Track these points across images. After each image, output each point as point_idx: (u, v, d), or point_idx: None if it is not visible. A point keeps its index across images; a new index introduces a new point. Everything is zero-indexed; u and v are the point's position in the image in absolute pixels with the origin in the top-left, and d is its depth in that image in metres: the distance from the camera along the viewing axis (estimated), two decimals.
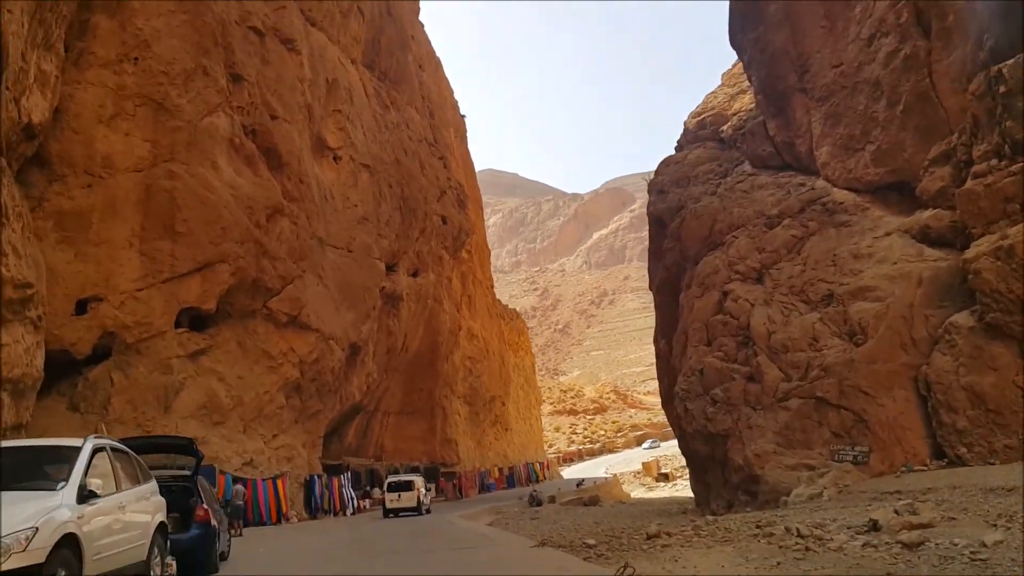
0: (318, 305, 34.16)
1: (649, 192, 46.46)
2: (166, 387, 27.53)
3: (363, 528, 27.66)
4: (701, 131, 47.05)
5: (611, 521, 31.05)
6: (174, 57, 27.11)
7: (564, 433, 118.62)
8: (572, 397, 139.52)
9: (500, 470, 60.56)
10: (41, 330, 20.12)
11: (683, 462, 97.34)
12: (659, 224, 44.03)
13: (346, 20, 42.05)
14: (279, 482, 29.76)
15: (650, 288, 49.65)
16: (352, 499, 37.34)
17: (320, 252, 35.35)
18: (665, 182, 44.92)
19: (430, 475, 52.04)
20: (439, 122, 57.48)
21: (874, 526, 13.59)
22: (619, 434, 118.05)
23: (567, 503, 48.17)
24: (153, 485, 9.64)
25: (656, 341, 51.65)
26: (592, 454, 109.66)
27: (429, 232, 49.80)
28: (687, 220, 39.46)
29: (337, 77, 39.00)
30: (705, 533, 16.05)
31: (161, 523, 9.44)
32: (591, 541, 16.41)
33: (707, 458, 32.78)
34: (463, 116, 66.20)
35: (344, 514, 36.21)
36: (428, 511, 34.14)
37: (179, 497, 12.68)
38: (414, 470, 48.60)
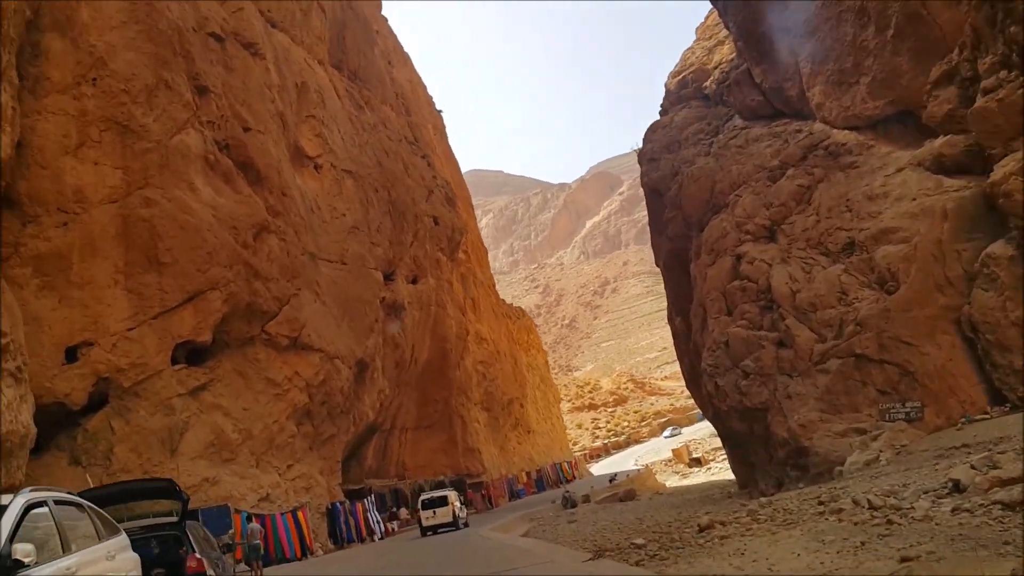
0: (318, 323, 33.15)
1: (640, 163, 45.45)
2: (170, 428, 26.50)
3: (393, 554, 26.64)
4: (683, 91, 46.00)
5: (654, 515, 30.18)
6: (133, 72, 26.06)
7: (587, 429, 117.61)
8: (590, 391, 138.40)
9: (528, 474, 59.53)
10: (24, 382, 19.04)
11: (715, 444, 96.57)
12: (656, 195, 43.04)
13: (307, 19, 41.00)
14: (299, 514, 28.72)
15: (656, 264, 48.67)
16: (379, 523, 36.31)
17: (313, 267, 34.34)
18: (655, 149, 43.95)
19: (456, 488, 51.06)
20: (416, 119, 56.49)
21: (956, 487, 12.47)
22: (643, 423, 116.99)
23: (602, 501, 47.18)
24: (121, 540, 8.07)
25: (671, 320, 50.60)
26: (619, 447, 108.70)
27: (423, 235, 48.78)
28: (685, 185, 38.47)
29: (306, 80, 37.98)
30: (763, 517, 14.89)
31: None
32: (639, 541, 15.16)
33: (746, 435, 31.73)
34: (439, 111, 65.17)
35: (372, 540, 35.18)
36: (466, 524, 34.04)
37: (168, 548, 11.56)
38: (440, 485, 47.55)
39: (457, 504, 33.86)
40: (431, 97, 65.07)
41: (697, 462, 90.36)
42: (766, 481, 31.04)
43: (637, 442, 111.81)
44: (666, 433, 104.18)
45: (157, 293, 27.09)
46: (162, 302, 27.11)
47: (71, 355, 25.29)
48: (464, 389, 52.90)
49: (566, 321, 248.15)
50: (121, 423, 25.75)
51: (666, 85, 47.78)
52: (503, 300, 74.03)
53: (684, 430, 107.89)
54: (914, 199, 27.33)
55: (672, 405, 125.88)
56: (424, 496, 34.83)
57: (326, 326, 33.95)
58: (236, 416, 28.59)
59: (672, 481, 73.93)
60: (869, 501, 12.64)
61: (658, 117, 47.19)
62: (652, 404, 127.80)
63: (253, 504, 27.82)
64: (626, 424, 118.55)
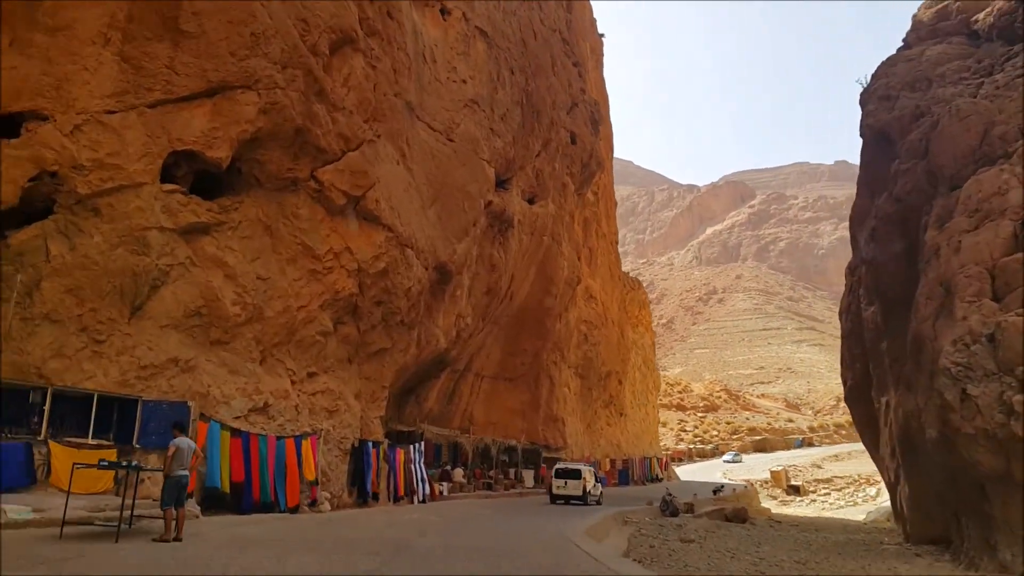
0: (395, 193, 22.79)
1: (864, 102, 33.23)
2: (137, 274, 16.64)
3: (412, 532, 15.98)
4: (943, 23, 33.23)
5: (803, 554, 23.61)
6: None
7: (671, 429, 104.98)
8: (680, 392, 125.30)
9: (612, 462, 48.48)
10: None
11: (817, 475, 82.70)
12: (882, 141, 30.86)
13: None
14: (305, 445, 18.52)
15: (852, 233, 36.30)
16: (424, 482, 25.85)
17: (408, 121, 23.96)
18: (891, 85, 31.59)
19: (529, 458, 40.32)
20: (576, 27, 45.44)
21: None
22: (734, 436, 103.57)
23: (710, 514, 35.77)
24: None
25: (843, 312, 38.20)
26: (703, 456, 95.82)
27: (554, 149, 37.86)
28: (944, 126, 26.14)
29: None
30: None
31: None
32: None
33: (992, 474, 19.63)
34: (601, 36, 53.84)
35: (412, 500, 24.86)
36: (598, 502, 32.37)
37: None
38: (511, 450, 37.20)
39: (591, 480, 32.21)
40: (595, 19, 54.04)
41: (796, 490, 77.43)
42: (1011, 548, 19.02)
43: (723, 455, 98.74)
44: (726, 457, 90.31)
45: (164, 71, 17.17)
46: (168, 86, 17.18)
47: (9, 126, 15.68)
48: (561, 346, 41.99)
49: (663, 320, 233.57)
50: (63, 247, 15.98)
51: (916, 17, 35.15)
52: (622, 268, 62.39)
53: (745, 457, 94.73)
54: None
55: (770, 424, 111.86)
56: (559, 465, 33.32)
57: (406, 202, 23.59)
58: (245, 284, 18.53)
59: (769, 506, 61.16)
60: None
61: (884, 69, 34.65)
62: (748, 419, 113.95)
63: (239, 413, 17.77)
64: (715, 433, 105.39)
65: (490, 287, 32.46)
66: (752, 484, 62.07)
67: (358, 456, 21.69)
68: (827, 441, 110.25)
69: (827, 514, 58.10)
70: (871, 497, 71.82)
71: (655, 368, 72.03)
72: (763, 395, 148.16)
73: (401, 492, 24.13)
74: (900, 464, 29.64)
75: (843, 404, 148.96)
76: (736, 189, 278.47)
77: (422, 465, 26.07)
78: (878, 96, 31.65)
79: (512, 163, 33.52)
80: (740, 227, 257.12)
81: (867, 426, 35.98)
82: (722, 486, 47.08)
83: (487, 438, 35.91)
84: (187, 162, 17.84)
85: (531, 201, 36.60)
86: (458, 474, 31.70)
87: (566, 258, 39.84)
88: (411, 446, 25.48)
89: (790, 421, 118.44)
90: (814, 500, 71.91)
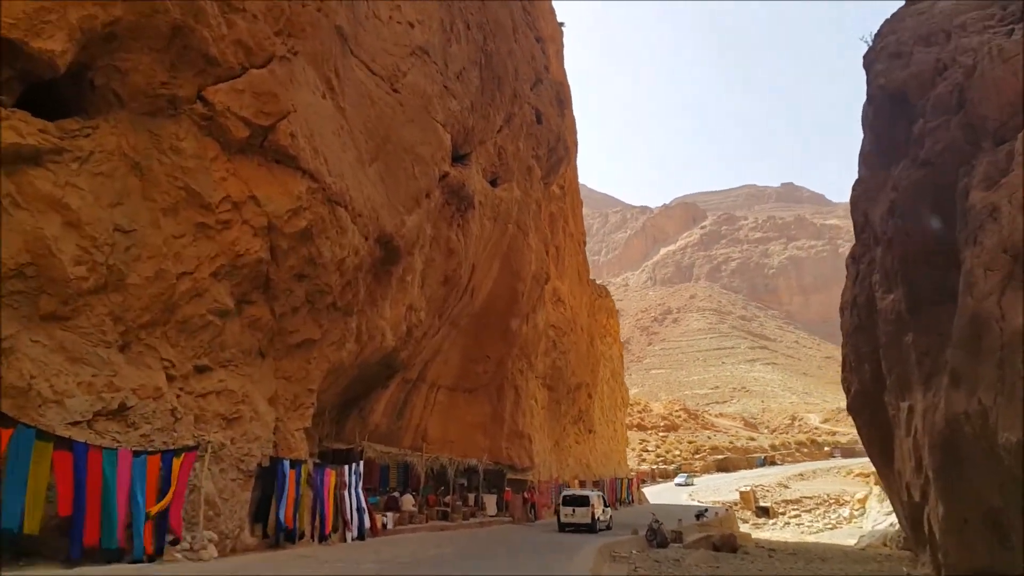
0: (321, 133, 17.14)
1: (870, 64, 28.90)
2: None
3: None
4: None
5: None
6: None
7: (633, 449, 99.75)
8: (639, 411, 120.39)
9: (581, 484, 43.00)
10: None
11: (785, 496, 77.91)
12: (896, 102, 26.41)
13: None
14: (177, 464, 12.63)
15: (855, 216, 31.71)
16: (361, 511, 19.96)
17: (338, 48, 18.39)
18: (904, 41, 27.21)
19: (492, 481, 34.60)
20: (537, 6, 40.42)
21: None
22: (697, 456, 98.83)
23: (696, 543, 30.54)
24: None
25: (845, 308, 33.47)
26: (666, 476, 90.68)
27: (518, 125, 32.65)
28: (984, 71, 21.54)
29: None
30: None
31: None
32: None
33: None
34: (561, 24, 49.03)
35: (344, 537, 18.96)
36: (608, 527, 31.62)
37: None
38: (471, 471, 31.55)
39: (600, 507, 31.21)
40: (553, 9, 49.33)
41: (765, 512, 72.61)
42: None
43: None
44: (678, 480, 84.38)
45: None
46: None
47: None
48: (528, 352, 36.48)
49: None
50: None
51: None
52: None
53: (732, 475, 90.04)
54: None
55: (732, 443, 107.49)
56: (567, 492, 32.78)
57: (337, 148, 17.95)
58: (96, 236, 12.72)
59: (746, 531, 56.06)
60: None
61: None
62: (709, 438, 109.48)
63: (78, 417, 11.89)
64: (677, 453, 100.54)
65: (447, 276, 26.88)
66: (731, 508, 56.95)
67: (268, 479, 15.83)
68: (789, 460, 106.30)
69: (809, 538, 53.27)
70: (845, 519, 67.37)
71: (623, 382, 66.83)
72: (721, 414, 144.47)
73: (330, 527, 18.24)
74: (930, 480, 24.58)
75: (799, 422, 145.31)
76: (688, 210, 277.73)
77: (360, 491, 20.20)
78: (888, 54, 27.15)
79: (471, 134, 28.17)
80: (693, 247, 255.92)
81: (877, 437, 31.14)
82: (705, 510, 41.87)
83: (443, 457, 30.10)
84: (10, 62, 12.06)
85: (494, 183, 31.27)
86: (407, 501, 25.83)
87: (533, 251, 34.48)
88: (345, 467, 19.63)
89: (751, 439, 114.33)
90: (788, 523, 67.19)
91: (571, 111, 42.64)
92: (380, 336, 22.19)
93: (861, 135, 31.67)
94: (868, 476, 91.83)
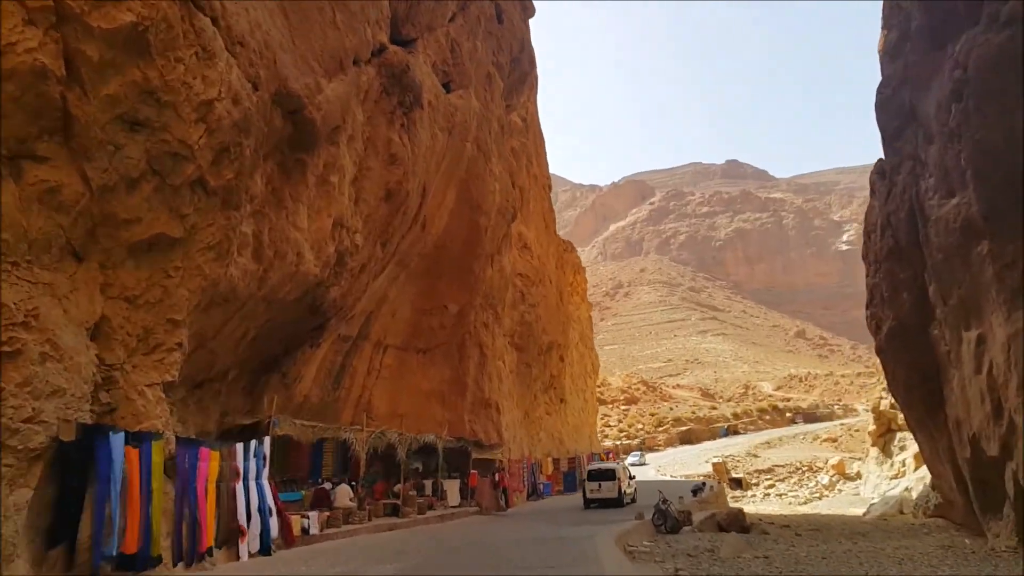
0: None
1: None
2: None
3: None
4: None
5: None
6: None
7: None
8: (598, 386, 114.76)
9: (555, 462, 36.36)
10: None
11: (757, 466, 72.81)
12: None
13: None
14: None
15: (879, 115, 25.70)
16: (267, 513, 12.95)
17: None
18: None
19: (453, 462, 27.80)
20: None
21: None
22: (660, 428, 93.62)
23: (704, 524, 24.43)
24: None
25: (873, 230, 27.39)
26: (630, 451, 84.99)
27: (475, 18, 25.67)
28: None
29: None
30: None
31: None
32: None
33: None
34: None
35: (237, 554, 11.96)
36: (633, 500, 30.27)
37: None
38: (427, 450, 24.88)
39: (626, 480, 30.06)
40: None
41: (738, 483, 67.39)
42: None
43: (651, 449, 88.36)
44: (630, 459, 75.32)
45: None
46: None
47: None
48: (494, 302, 29.64)
49: None
50: None
51: None
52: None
53: (696, 447, 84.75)
54: None
55: (694, 414, 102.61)
56: (592, 466, 31.43)
57: None
58: None
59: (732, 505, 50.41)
60: None
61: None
62: (671, 409, 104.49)
63: None
64: (640, 427, 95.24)
65: (390, 190, 19.78)
66: (720, 482, 51.25)
67: (76, 466, 8.77)
68: (752, 428, 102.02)
69: (801, 509, 47.94)
70: (825, 487, 62.55)
71: (593, 347, 60.47)
72: (678, 385, 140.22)
73: (209, 541, 11.21)
74: (1019, 428, 18.58)
75: (752, 391, 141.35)
76: (636, 188, 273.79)
77: (265, 483, 13.17)
78: None
79: (417, 12, 21.12)
80: (642, 223, 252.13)
81: (917, 380, 25.22)
82: (703, 484, 35.75)
83: (391, 433, 23.04)
84: None
85: (447, 88, 24.26)
86: (344, 494, 18.74)
87: (497, 179, 27.59)
88: (238, 447, 12.57)
89: (713, 409, 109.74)
90: (767, 494, 61.95)
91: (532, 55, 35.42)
92: (294, 255, 15.10)
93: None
94: (836, 441, 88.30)
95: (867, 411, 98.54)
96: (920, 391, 25.14)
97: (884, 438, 46.06)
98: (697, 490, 32.33)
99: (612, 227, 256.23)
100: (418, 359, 27.42)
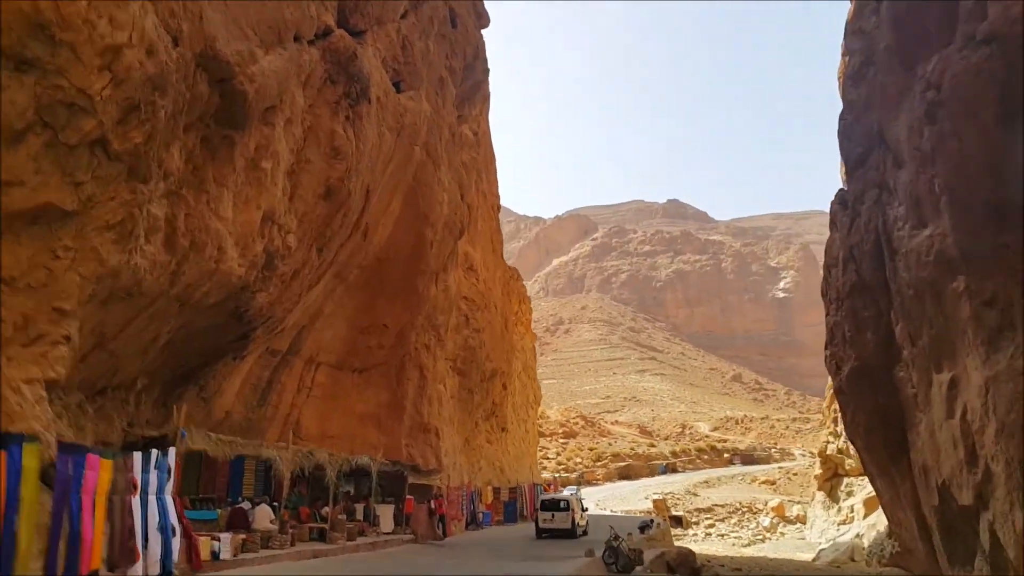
0: None
1: None
2: None
3: None
4: None
5: None
6: None
7: None
8: (537, 418, 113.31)
9: (496, 491, 34.69)
10: None
11: (697, 504, 72.09)
12: None
13: None
14: None
15: (841, 144, 25.14)
16: (167, 531, 11.11)
17: None
18: None
19: (388, 487, 25.89)
20: None
21: None
22: (599, 463, 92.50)
23: (655, 564, 23.05)
24: None
25: (834, 264, 26.59)
26: (567, 484, 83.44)
27: (428, 18, 24.44)
28: None
29: None
30: None
31: None
32: None
33: None
34: None
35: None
36: (584, 532, 29.51)
37: None
38: (360, 473, 23.01)
39: (579, 511, 29.59)
40: None
41: (679, 522, 66.35)
42: None
43: (590, 483, 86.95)
44: (567, 491, 74.70)
45: None
46: None
47: None
48: (436, 323, 28.05)
49: None
50: None
51: None
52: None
53: (635, 483, 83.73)
54: None
55: (632, 450, 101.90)
56: (544, 497, 31.69)
57: None
58: None
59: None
60: None
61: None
62: (610, 445, 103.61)
63: None
64: (579, 460, 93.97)
65: (331, 187, 18.16)
66: (664, 520, 50.04)
67: None
68: (690, 467, 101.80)
69: (746, 551, 46.99)
70: (766, 529, 61.98)
71: (535, 377, 59.08)
72: (616, 422, 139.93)
73: (94, 562, 9.31)
74: (995, 477, 17.55)
75: (689, 430, 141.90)
76: (579, 223, 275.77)
77: (167, 498, 11.28)
78: None
79: (360, 4, 19.80)
80: (584, 259, 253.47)
81: (879, 424, 24.39)
82: (650, 521, 34.40)
83: (320, 452, 21.11)
84: None
85: (397, 87, 22.88)
86: (263, 515, 16.80)
87: (446, 189, 26.20)
88: (136, 455, 10.69)
89: (652, 446, 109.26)
90: (708, 534, 61.00)
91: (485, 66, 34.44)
92: (214, 248, 13.34)
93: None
94: (774, 484, 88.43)
95: (804, 455, 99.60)
96: (881, 435, 24.15)
97: (831, 482, 45.56)
98: (645, 527, 31.01)
99: (555, 262, 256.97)
100: (353, 379, 25.58)
